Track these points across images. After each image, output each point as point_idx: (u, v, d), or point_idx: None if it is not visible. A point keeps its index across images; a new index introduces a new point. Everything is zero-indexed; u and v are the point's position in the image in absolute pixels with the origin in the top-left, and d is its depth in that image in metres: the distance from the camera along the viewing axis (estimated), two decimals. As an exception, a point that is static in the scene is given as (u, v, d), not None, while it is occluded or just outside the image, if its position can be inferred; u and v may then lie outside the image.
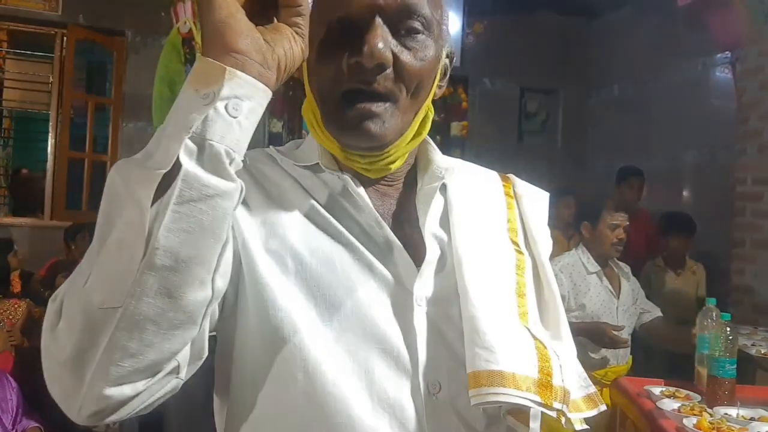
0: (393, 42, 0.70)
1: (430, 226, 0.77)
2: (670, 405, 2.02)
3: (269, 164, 0.79)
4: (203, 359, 0.66)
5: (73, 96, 5.40)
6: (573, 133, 6.43)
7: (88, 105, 5.46)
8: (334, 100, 0.71)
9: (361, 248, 0.74)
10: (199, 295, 0.58)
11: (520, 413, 0.73)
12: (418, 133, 0.78)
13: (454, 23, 5.27)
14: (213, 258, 0.58)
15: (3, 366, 2.97)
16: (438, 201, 0.80)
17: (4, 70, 7.24)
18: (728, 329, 2.03)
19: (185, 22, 4.10)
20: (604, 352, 2.71)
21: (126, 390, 0.58)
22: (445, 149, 0.85)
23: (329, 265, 0.72)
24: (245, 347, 0.72)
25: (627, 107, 5.72)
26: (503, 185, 0.88)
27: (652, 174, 4.47)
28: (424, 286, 0.74)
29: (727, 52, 4.36)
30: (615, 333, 2.59)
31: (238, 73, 0.56)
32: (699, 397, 2.10)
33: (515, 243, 0.82)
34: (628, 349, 2.79)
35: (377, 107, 0.70)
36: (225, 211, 0.57)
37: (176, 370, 0.61)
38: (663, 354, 3.25)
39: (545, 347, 0.73)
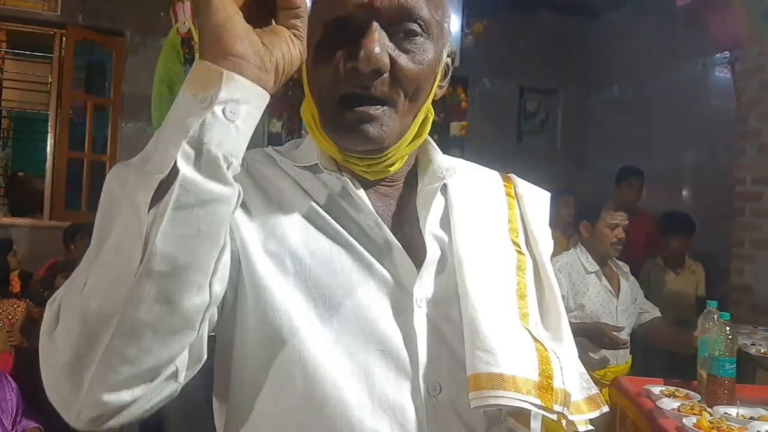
0: (390, 46, 0.69)
1: (430, 227, 0.77)
2: (669, 404, 2.02)
3: (268, 165, 0.79)
4: (202, 362, 0.65)
5: (72, 96, 5.39)
6: (572, 133, 6.43)
7: (87, 105, 5.46)
8: (332, 103, 0.71)
9: (361, 249, 0.73)
10: (196, 300, 0.58)
11: (521, 415, 0.73)
12: (417, 135, 0.77)
13: (453, 23, 5.26)
14: (211, 263, 0.58)
15: (3, 366, 2.97)
16: (438, 201, 0.80)
17: (3, 70, 7.23)
18: (728, 328, 2.03)
19: (184, 22, 4.10)
20: (603, 352, 2.70)
21: (124, 395, 0.57)
22: (445, 149, 0.84)
23: (329, 266, 0.72)
24: (244, 349, 0.72)
25: (626, 107, 5.72)
26: (504, 185, 0.87)
27: (652, 174, 4.47)
28: (424, 287, 0.74)
29: (726, 52, 4.36)
30: (614, 333, 2.59)
31: (236, 76, 0.56)
32: (699, 397, 2.10)
33: (516, 243, 0.82)
34: (628, 348, 2.79)
35: (375, 111, 0.70)
36: (223, 216, 0.56)
37: (175, 375, 0.61)
38: (662, 353, 3.25)
39: (546, 349, 0.73)
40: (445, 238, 0.78)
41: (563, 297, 2.67)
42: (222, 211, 0.56)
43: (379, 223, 0.74)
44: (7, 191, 6.22)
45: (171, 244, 0.54)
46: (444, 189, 0.80)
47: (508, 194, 0.86)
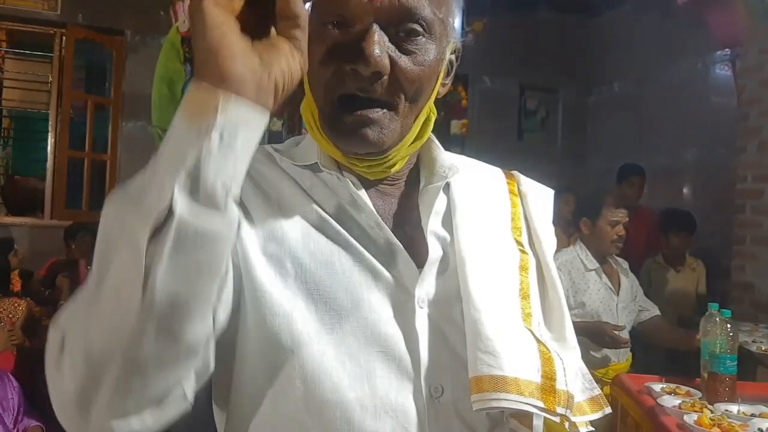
0: (391, 47, 0.68)
1: (432, 227, 0.76)
2: (670, 402, 2.02)
3: (267, 164, 0.77)
4: (210, 372, 0.64)
5: (73, 95, 5.39)
6: (573, 131, 6.42)
7: (87, 104, 5.46)
8: (331, 104, 0.70)
9: (362, 250, 0.72)
10: (200, 330, 0.57)
11: (524, 416, 0.73)
12: (419, 136, 0.76)
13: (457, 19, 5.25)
14: (212, 293, 0.57)
15: (4, 365, 2.98)
16: (441, 200, 0.78)
17: (3, 69, 7.23)
18: (729, 326, 2.03)
19: (184, 21, 4.09)
20: (605, 350, 2.68)
21: (133, 422, 0.57)
22: (445, 147, 0.83)
23: (329, 268, 0.71)
24: (244, 354, 0.71)
25: (627, 105, 5.72)
26: (507, 182, 0.86)
27: (652, 171, 4.46)
28: (425, 287, 0.73)
29: (727, 50, 4.35)
30: (616, 333, 2.57)
31: (233, 99, 0.53)
32: (699, 394, 2.10)
33: (519, 242, 0.81)
34: (629, 346, 2.78)
35: (375, 114, 0.68)
36: (223, 249, 0.55)
37: (183, 395, 0.60)
38: (662, 351, 3.24)
39: (549, 350, 0.72)
40: (447, 237, 0.77)
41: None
42: (222, 245, 0.54)
43: (379, 223, 0.73)
44: (4, 194, 6.22)
45: (171, 282, 0.52)
46: (446, 188, 0.79)
47: (511, 192, 0.85)
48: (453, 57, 0.76)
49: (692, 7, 4.19)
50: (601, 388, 0.83)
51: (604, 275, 2.78)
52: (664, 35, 5.09)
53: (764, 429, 1.80)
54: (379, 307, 0.71)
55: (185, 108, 0.54)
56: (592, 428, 0.75)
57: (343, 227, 0.73)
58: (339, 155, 0.74)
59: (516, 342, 0.71)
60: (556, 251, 0.86)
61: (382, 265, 0.72)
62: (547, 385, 0.69)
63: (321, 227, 0.73)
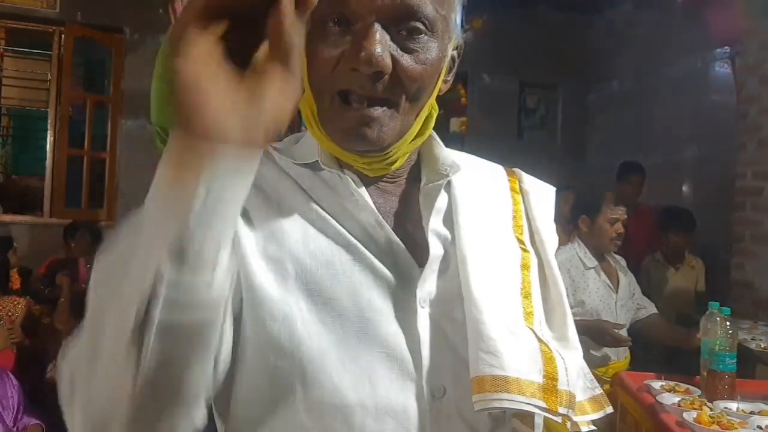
0: (392, 46, 0.66)
1: (433, 225, 0.75)
2: (670, 399, 2.02)
3: (266, 163, 0.76)
4: (220, 383, 0.64)
5: (72, 94, 5.39)
6: (572, 128, 6.42)
7: (86, 103, 5.45)
8: (331, 101, 0.69)
9: (363, 249, 0.72)
10: (200, 380, 0.56)
11: (525, 416, 0.72)
12: (420, 133, 0.75)
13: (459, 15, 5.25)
14: (210, 351, 0.56)
15: (4, 364, 2.98)
16: (442, 198, 0.77)
17: (2, 68, 7.23)
18: (728, 324, 2.03)
19: (184, 19, 4.09)
20: (605, 349, 2.67)
21: None
22: (444, 145, 0.82)
23: (330, 269, 0.70)
24: (244, 359, 0.70)
25: (627, 102, 5.72)
26: (509, 180, 0.85)
27: (652, 169, 4.46)
28: (427, 287, 0.72)
29: (726, 47, 4.35)
30: (617, 331, 2.55)
31: (219, 151, 0.47)
32: (699, 392, 2.10)
33: (520, 240, 0.80)
34: (630, 345, 2.78)
35: (375, 112, 0.67)
36: (213, 319, 0.54)
37: (192, 424, 0.59)
38: (660, 348, 3.25)
39: (550, 350, 0.72)
40: (448, 236, 0.76)
41: (563, 293, 2.66)
42: (212, 316, 0.53)
43: (380, 221, 0.72)
44: (1, 193, 6.22)
45: (163, 355, 0.51)
46: (448, 185, 0.78)
47: (512, 189, 0.84)
48: (455, 53, 0.75)
49: (692, 5, 4.19)
50: (601, 387, 0.83)
51: (603, 273, 2.77)
52: (664, 33, 5.09)
53: (763, 426, 1.80)
54: (380, 307, 0.70)
55: (166, 165, 0.49)
56: (594, 427, 0.74)
57: (343, 227, 0.72)
58: (338, 151, 0.73)
59: (518, 342, 0.71)
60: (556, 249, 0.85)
61: (384, 264, 0.72)
62: (549, 385, 0.69)
63: (321, 227, 0.72)
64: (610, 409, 0.78)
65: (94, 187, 5.42)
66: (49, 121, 5.34)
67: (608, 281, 2.77)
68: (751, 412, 1.90)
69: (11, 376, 2.77)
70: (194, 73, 0.45)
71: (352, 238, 0.72)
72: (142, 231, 0.51)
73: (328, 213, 0.73)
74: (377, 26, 0.65)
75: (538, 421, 0.72)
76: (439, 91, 0.75)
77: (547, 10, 6.00)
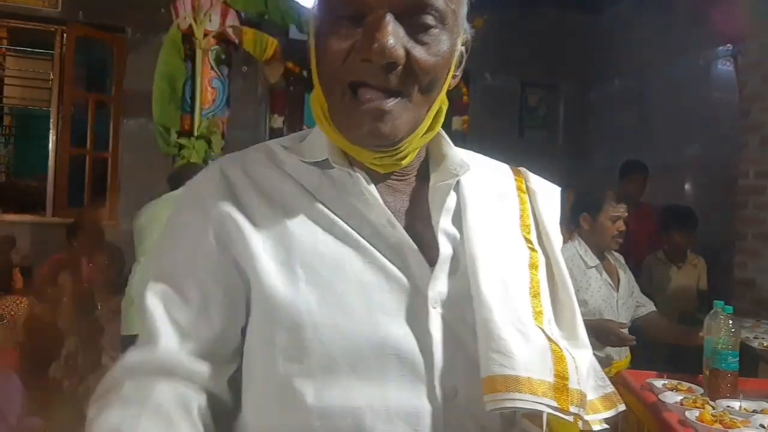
0: (405, 38, 0.66)
1: (443, 225, 0.75)
2: (672, 398, 2.02)
3: (269, 166, 0.75)
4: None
5: (74, 93, 5.39)
6: (574, 127, 6.42)
7: (88, 102, 5.46)
8: (341, 95, 0.69)
9: (373, 250, 0.71)
10: None
11: (535, 416, 0.72)
12: (431, 128, 0.75)
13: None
14: None
15: (6, 363, 2.98)
16: (451, 197, 0.77)
17: (4, 67, 7.24)
18: (730, 322, 2.03)
19: (185, 18, 4.10)
20: (608, 349, 2.64)
21: None
22: None
23: (340, 270, 0.69)
24: (253, 364, 0.70)
25: (628, 101, 5.71)
26: (515, 179, 0.85)
27: (654, 168, 4.45)
28: (437, 288, 0.72)
29: (728, 45, 4.35)
30: (621, 331, 2.52)
31: None
32: (701, 390, 2.10)
33: (528, 240, 0.80)
34: (634, 344, 2.74)
35: (388, 104, 0.67)
36: None
37: None
38: (660, 347, 3.23)
39: (560, 349, 0.71)
40: (458, 235, 0.75)
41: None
42: None
43: (391, 221, 0.72)
44: (4, 193, 6.23)
45: None
46: (456, 184, 0.78)
47: (519, 189, 0.84)
48: (463, 49, 0.75)
49: (694, 3, 4.18)
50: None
51: (604, 272, 2.75)
52: (666, 31, 5.08)
53: (766, 425, 1.79)
54: (391, 309, 0.69)
55: None
56: (607, 426, 0.74)
57: (352, 227, 0.72)
58: (349, 147, 0.73)
59: (528, 341, 0.70)
60: (557, 248, 0.85)
61: (394, 264, 0.71)
62: (560, 384, 0.69)
63: (329, 228, 0.72)
64: (622, 407, 0.77)
65: (96, 186, 5.42)
66: (51, 120, 5.34)
67: (609, 280, 2.75)
68: (754, 411, 1.90)
69: (14, 375, 2.77)
70: None
71: (361, 239, 0.71)
72: None
73: (335, 214, 0.72)
74: (390, 17, 0.65)
75: (546, 421, 0.71)
76: (449, 86, 0.75)
77: (549, 8, 5.99)
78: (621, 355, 2.74)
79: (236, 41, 4.18)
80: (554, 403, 0.68)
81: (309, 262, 0.69)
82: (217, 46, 4.18)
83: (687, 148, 4.87)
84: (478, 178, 0.80)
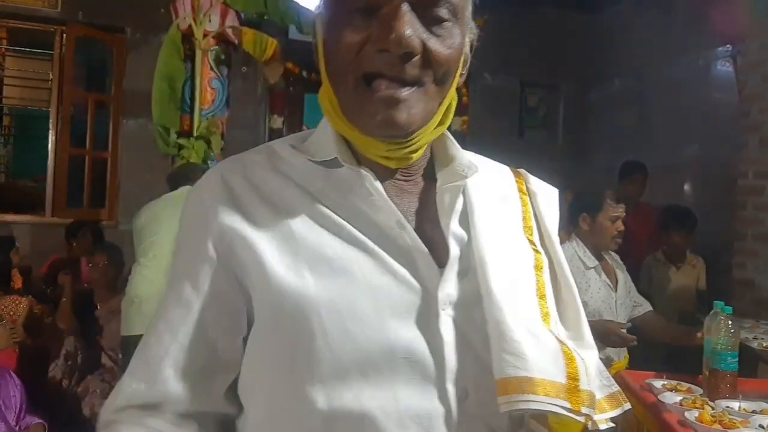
0: (420, 29, 0.67)
1: (452, 226, 0.74)
2: (671, 398, 2.02)
3: (270, 170, 0.74)
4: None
5: (73, 93, 5.40)
6: (574, 127, 6.42)
7: (88, 102, 5.46)
8: (354, 85, 0.68)
9: (381, 252, 0.70)
10: None
11: (542, 416, 0.72)
12: (442, 122, 0.75)
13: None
14: None
15: (6, 363, 2.98)
16: (459, 199, 0.77)
17: (3, 67, 7.24)
18: (730, 322, 2.03)
19: (185, 18, 4.10)
20: (608, 351, 2.64)
21: None
22: None
23: (348, 275, 0.69)
24: (262, 371, 0.70)
25: (628, 101, 5.71)
26: (516, 181, 0.85)
27: (653, 168, 4.46)
28: (447, 289, 0.71)
29: (728, 46, 4.35)
30: (623, 331, 2.51)
31: None
32: (701, 391, 2.10)
33: (531, 242, 0.80)
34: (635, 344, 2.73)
35: (403, 93, 0.67)
36: None
37: None
38: (658, 347, 3.23)
39: (570, 350, 0.71)
40: (465, 237, 0.75)
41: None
42: None
43: (401, 222, 0.71)
44: (3, 193, 6.23)
45: None
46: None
47: (520, 190, 0.84)
48: (468, 47, 0.76)
49: (693, 3, 4.18)
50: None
51: (603, 273, 2.74)
52: (665, 31, 5.08)
53: (765, 425, 1.80)
54: (401, 311, 0.69)
55: None
56: (612, 424, 0.74)
57: (359, 230, 0.71)
58: (361, 140, 0.72)
59: (539, 343, 0.70)
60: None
61: (404, 266, 0.70)
62: (572, 386, 0.69)
63: (336, 231, 0.71)
64: (628, 406, 0.77)
65: (95, 186, 5.43)
66: (50, 120, 5.34)
67: (608, 280, 2.74)
68: (753, 411, 1.90)
69: (14, 375, 2.77)
70: None
71: (368, 241, 0.70)
72: None
73: (341, 216, 0.71)
74: (406, 7, 0.65)
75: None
76: (457, 83, 0.75)
77: (549, 9, 6.00)
78: (620, 356, 2.74)
79: (236, 42, 4.18)
80: (567, 405, 0.68)
81: (317, 267, 0.68)
82: (217, 47, 4.18)
83: (686, 148, 4.87)
84: (481, 179, 0.80)
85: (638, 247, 3.97)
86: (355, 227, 0.71)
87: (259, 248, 0.69)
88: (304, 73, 5.59)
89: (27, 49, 6.63)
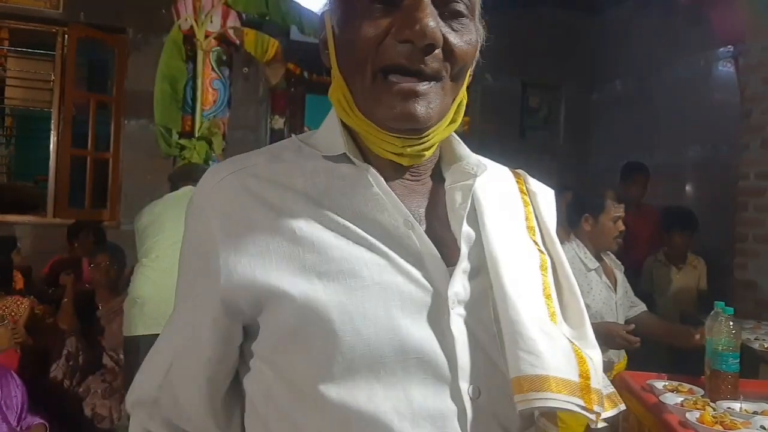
0: (441, 22, 0.67)
1: (463, 225, 0.74)
2: (673, 399, 2.02)
3: (269, 175, 0.73)
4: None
5: (75, 94, 5.40)
6: (575, 128, 6.42)
7: (90, 103, 5.47)
8: (372, 78, 0.67)
9: (389, 252, 0.70)
10: None
11: (551, 414, 0.72)
12: (454, 120, 0.75)
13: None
14: None
15: (8, 363, 2.98)
16: (469, 198, 0.76)
17: (5, 68, 7.25)
18: (731, 323, 2.03)
19: (186, 19, 4.10)
20: (610, 353, 2.61)
21: None
22: None
23: (357, 276, 0.68)
24: (272, 376, 0.70)
25: (629, 102, 5.71)
26: (516, 181, 0.85)
27: (655, 169, 4.46)
28: (457, 288, 0.71)
29: (729, 47, 4.35)
30: (626, 333, 2.47)
31: None
32: (702, 391, 2.09)
33: (535, 242, 0.80)
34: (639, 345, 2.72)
35: (422, 87, 0.67)
36: None
37: None
38: (654, 347, 3.22)
39: (579, 349, 0.72)
40: (473, 235, 0.75)
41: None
42: None
43: (409, 221, 0.71)
44: (4, 194, 6.23)
45: None
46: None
47: (521, 191, 0.84)
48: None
49: (695, 4, 4.18)
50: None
51: (603, 274, 2.72)
52: (667, 32, 5.08)
53: (767, 426, 1.79)
54: (412, 311, 0.68)
55: None
56: (605, 424, 0.75)
57: (365, 230, 0.70)
58: (376, 134, 0.71)
59: (552, 341, 0.70)
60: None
61: (414, 266, 0.70)
62: (584, 384, 0.69)
63: (342, 233, 0.70)
64: (623, 406, 0.78)
65: (97, 187, 5.43)
66: (52, 121, 5.35)
67: (608, 282, 2.73)
68: (755, 412, 1.89)
69: (15, 375, 2.78)
70: None
71: (375, 241, 0.70)
72: None
73: (346, 217, 0.70)
74: (428, 0, 0.66)
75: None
76: (467, 82, 0.75)
77: (550, 9, 6.00)
78: (619, 357, 2.73)
79: (237, 42, 4.19)
80: (582, 403, 0.68)
81: (325, 270, 0.68)
82: (218, 48, 4.18)
83: (688, 149, 4.87)
84: (486, 179, 0.80)
85: (639, 247, 3.97)
86: (360, 228, 0.70)
87: (265, 258, 0.68)
88: (306, 74, 5.59)
89: (29, 50, 6.64)
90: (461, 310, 0.71)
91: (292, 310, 0.67)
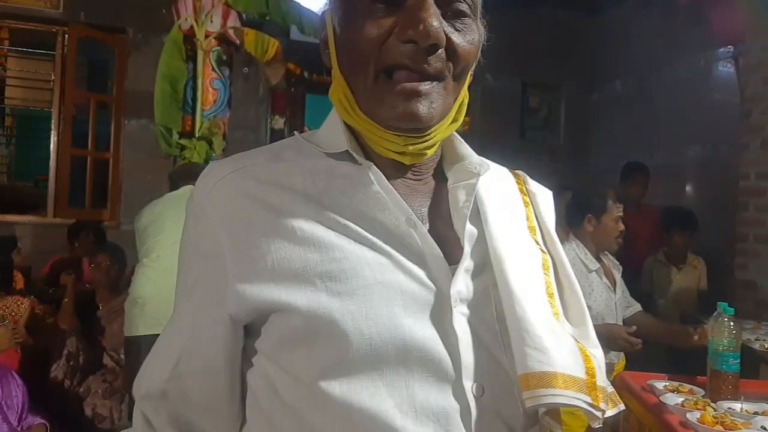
0: (444, 22, 0.67)
1: (467, 224, 0.74)
2: (673, 399, 2.02)
3: (269, 175, 0.72)
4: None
5: (75, 94, 5.40)
6: (575, 128, 6.42)
7: (90, 103, 5.47)
8: (374, 78, 0.68)
9: (391, 251, 0.69)
10: None
11: (554, 412, 0.72)
12: (455, 119, 0.75)
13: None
14: None
15: (8, 363, 2.98)
16: (472, 197, 0.77)
17: (5, 68, 7.26)
18: (732, 324, 2.03)
19: (186, 19, 4.10)
20: (610, 354, 2.62)
21: None
22: None
23: (359, 275, 0.68)
24: (275, 375, 0.70)
25: (629, 103, 5.71)
26: (516, 182, 0.85)
27: (655, 169, 4.46)
28: (459, 286, 0.71)
29: (729, 47, 4.35)
30: (628, 335, 2.46)
31: None
32: (702, 392, 2.10)
33: (536, 241, 0.80)
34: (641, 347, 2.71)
35: (424, 87, 0.67)
36: None
37: None
38: (652, 347, 3.22)
39: (584, 347, 0.72)
40: (476, 234, 0.75)
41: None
42: None
43: (411, 219, 0.70)
44: (5, 194, 6.24)
45: None
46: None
47: (521, 191, 0.84)
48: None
49: (695, 4, 4.18)
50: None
51: (603, 275, 2.71)
52: (667, 32, 5.08)
53: (767, 427, 1.79)
54: (414, 310, 0.68)
55: None
56: (600, 424, 0.75)
57: (366, 229, 0.70)
58: (377, 133, 0.71)
59: (558, 338, 0.70)
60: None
61: (416, 265, 0.70)
62: (590, 382, 0.69)
63: (344, 232, 0.70)
64: (622, 406, 0.78)
65: (97, 187, 5.43)
66: (52, 121, 5.35)
67: (608, 283, 2.72)
68: (755, 413, 1.89)
69: (15, 375, 2.78)
70: None
71: (376, 240, 0.70)
72: None
73: (346, 217, 0.70)
74: (431, 0, 0.66)
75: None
76: (468, 82, 0.75)
77: (550, 9, 6.00)
78: (619, 359, 2.73)
79: (237, 42, 4.19)
80: (589, 399, 0.68)
81: (326, 270, 0.68)
82: (219, 47, 4.18)
83: (688, 149, 4.87)
84: (488, 179, 0.80)
85: (639, 248, 3.97)
86: (361, 227, 0.70)
87: (266, 260, 0.68)
88: (306, 74, 5.59)
89: (29, 50, 6.64)
90: (464, 309, 0.71)
91: (297, 316, 0.67)
